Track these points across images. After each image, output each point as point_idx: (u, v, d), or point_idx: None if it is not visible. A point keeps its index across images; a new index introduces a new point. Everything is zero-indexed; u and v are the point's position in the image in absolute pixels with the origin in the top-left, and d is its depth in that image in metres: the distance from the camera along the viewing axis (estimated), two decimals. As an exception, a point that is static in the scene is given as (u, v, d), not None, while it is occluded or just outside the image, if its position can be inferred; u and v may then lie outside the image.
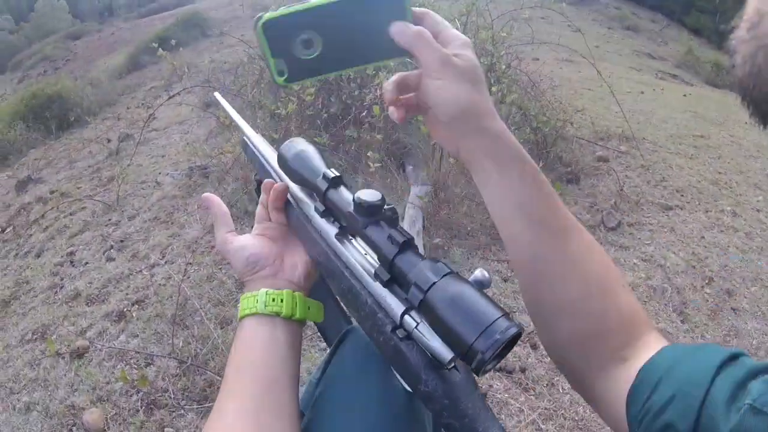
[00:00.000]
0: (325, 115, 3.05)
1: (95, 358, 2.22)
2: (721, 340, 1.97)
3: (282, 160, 0.63)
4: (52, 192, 4.61)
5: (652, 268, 2.36)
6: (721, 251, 2.52)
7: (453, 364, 0.46)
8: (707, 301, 2.19)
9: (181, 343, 2.13)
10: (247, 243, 0.63)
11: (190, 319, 2.26)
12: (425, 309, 0.46)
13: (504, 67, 3.00)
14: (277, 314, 0.58)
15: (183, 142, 4.84)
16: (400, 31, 0.52)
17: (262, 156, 0.71)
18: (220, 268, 2.60)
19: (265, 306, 0.58)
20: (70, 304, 2.72)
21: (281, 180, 0.67)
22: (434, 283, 0.45)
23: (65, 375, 2.16)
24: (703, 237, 2.63)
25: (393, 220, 0.52)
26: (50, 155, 6.05)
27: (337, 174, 0.57)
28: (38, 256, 3.51)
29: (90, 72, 10.61)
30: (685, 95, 5.96)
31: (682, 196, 3.02)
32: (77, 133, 6.72)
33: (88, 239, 3.45)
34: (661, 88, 6.14)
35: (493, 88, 2.60)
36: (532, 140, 2.84)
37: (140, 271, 2.82)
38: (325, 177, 0.57)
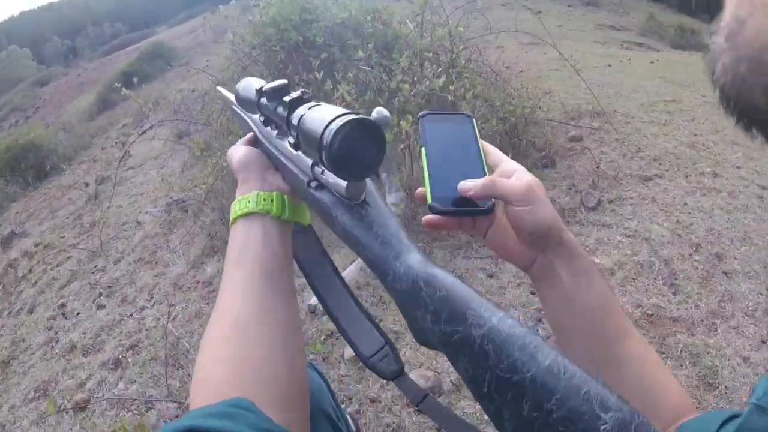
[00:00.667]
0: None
1: (97, 408, 2.21)
2: (716, 307, 1.94)
3: (237, 97, 0.72)
4: (36, 245, 4.58)
5: (638, 243, 2.35)
6: (705, 215, 2.49)
7: (362, 198, 0.53)
8: (697, 268, 2.15)
9: (177, 384, 2.12)
10: (246, 148, 0.71)
11: (184, 358, 2.25)
12: (294, 131, 0.54)
13: (464, 62, 2.99)
14: (268, 212, 0.62)
15: (159, 177, 4.82)
16: (480, 188, 0.55)
17: (246, 115, 0.78)
18: (208, 303, 2.59)
19: (257, 205, 0.62)
20: (67, 357, 2.71)
21: (251, 122, 0.75)
22: (293, 100, 0.55)
23: (70, 429, 2.16)
24: (685, 203, 2.61)
25: (298, 98, 0.58)
26: (31, 207, 6.00)
27: (263, 84, 0.64)
28: (31, 311, 3.49)
29: (61, 117, 10.58)
30: (652, 62, 5.96)
31: (660, 164, 3.00)
32: (55, 181, 6.68)
33: (77, 289, 3.44)
34: (627, 58, 6.14)
35: (451, 87, 2.59)
36: (501, 130, 2.82)
37: (131, 315, 2.81)
38: (256, 91, 0.65)
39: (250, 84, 0.70)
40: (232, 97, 0.85)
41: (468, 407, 1.64)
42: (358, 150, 0.49)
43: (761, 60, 0.24)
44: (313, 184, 0.57)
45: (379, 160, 0.51)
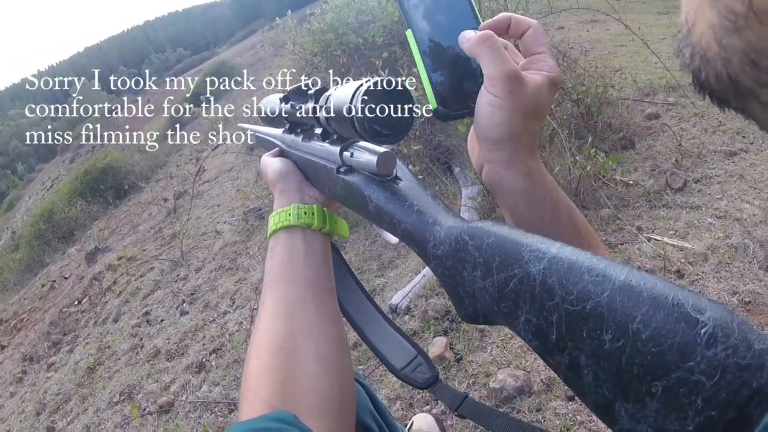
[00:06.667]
0: (363, 134, 3.02)
1: (181, 411, 2.28)
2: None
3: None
4: (120, 258, 4.83)
5: (729, 224, 2.15)
6: (799, 189, 2.28)
7: (394, 174, 0.52)
8: (795, 248, 1.96)
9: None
10: (281, 159, 0.72)
11: (266, 359, 2.27)
12: (324, 114, 0.55)
13: (529, 45, 2.87)
14: (309, 225, 0.62)
15: (234, 188, 4.97)
16: (464, 38, 0.48)
17: (267, 135, 0.81)
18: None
19: (298, 218, 0.62)
20: (151, 362, 2.82)
21: (274, 139, 0.78)
22: (318, 90, 0.59)
23: (154, 431, 2.23)
24: (775, 178, 2.39)
25: (322, 88, 0.61)
26: (112, 224, 6.36)
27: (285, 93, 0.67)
28: (116, 320, 3.67)
29: (135, 139, 11.13)
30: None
31: (744, 137, 2.76)
32: (135, 199, 7.05)
33: (160, 297, 3.58)
34: (697, 28, 5.77)
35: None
36: (576, 113, 2.69)
37: (213, 320, 2.89)
38: (280, 99, 0.69)
39: (272, 98, 0.73)
40: (252, 125, 0.91)
41: (560, 407, 1.54)
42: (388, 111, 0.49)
43: (708, 56, 0.29)
44: (343, 169, 0.57)
45: (409, 121, 0.50)
